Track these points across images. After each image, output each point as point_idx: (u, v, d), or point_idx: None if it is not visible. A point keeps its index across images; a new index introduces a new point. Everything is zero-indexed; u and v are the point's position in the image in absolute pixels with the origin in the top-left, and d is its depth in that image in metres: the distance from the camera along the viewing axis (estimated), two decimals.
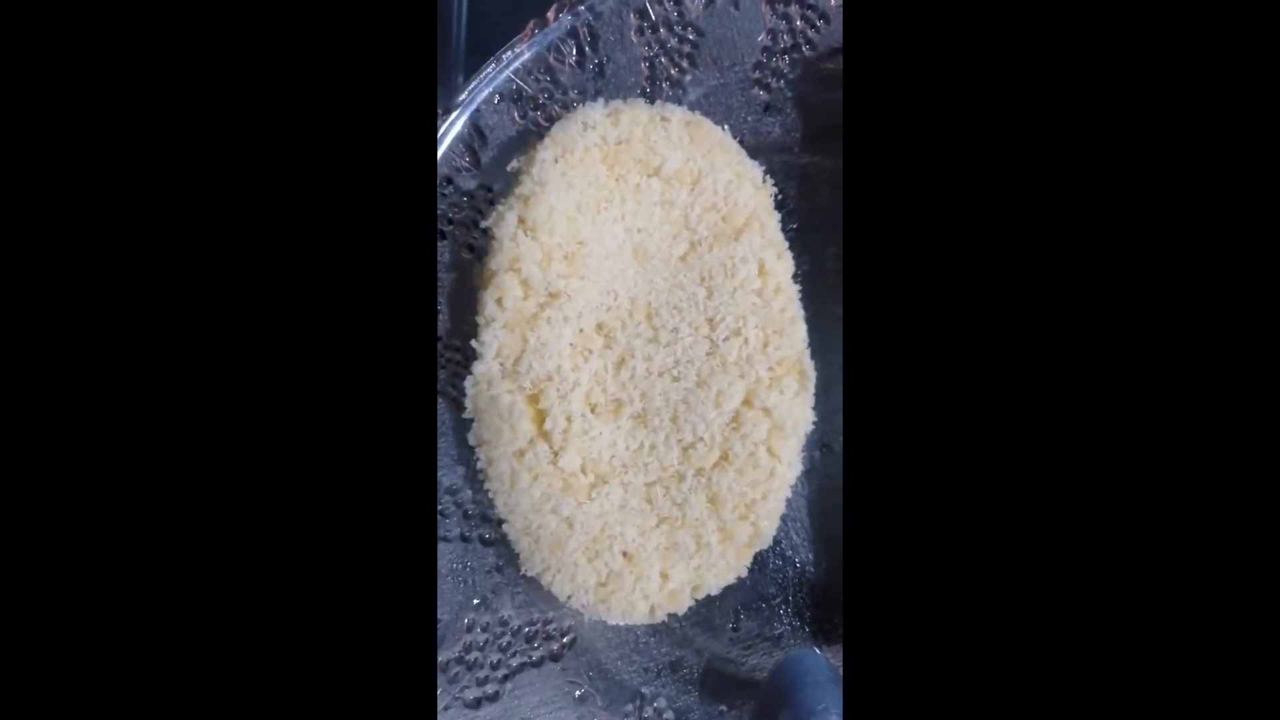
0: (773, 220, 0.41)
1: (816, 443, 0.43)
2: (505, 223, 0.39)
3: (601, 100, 0.40)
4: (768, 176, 0.42)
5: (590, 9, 0.41)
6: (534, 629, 0.42)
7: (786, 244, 0.41)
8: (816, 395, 0.41)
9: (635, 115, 0.40)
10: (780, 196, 0.42)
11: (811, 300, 0.42)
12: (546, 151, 0.39)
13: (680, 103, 0.42)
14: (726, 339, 0.40)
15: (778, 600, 0.43)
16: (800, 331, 0.41)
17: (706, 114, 0.41)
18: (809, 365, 0.41)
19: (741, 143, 0.42)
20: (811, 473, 0.43)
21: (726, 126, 0.42)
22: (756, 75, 0.43)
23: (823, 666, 0.40)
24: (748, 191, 0.41)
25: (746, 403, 0.40)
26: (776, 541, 0.43)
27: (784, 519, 0.42)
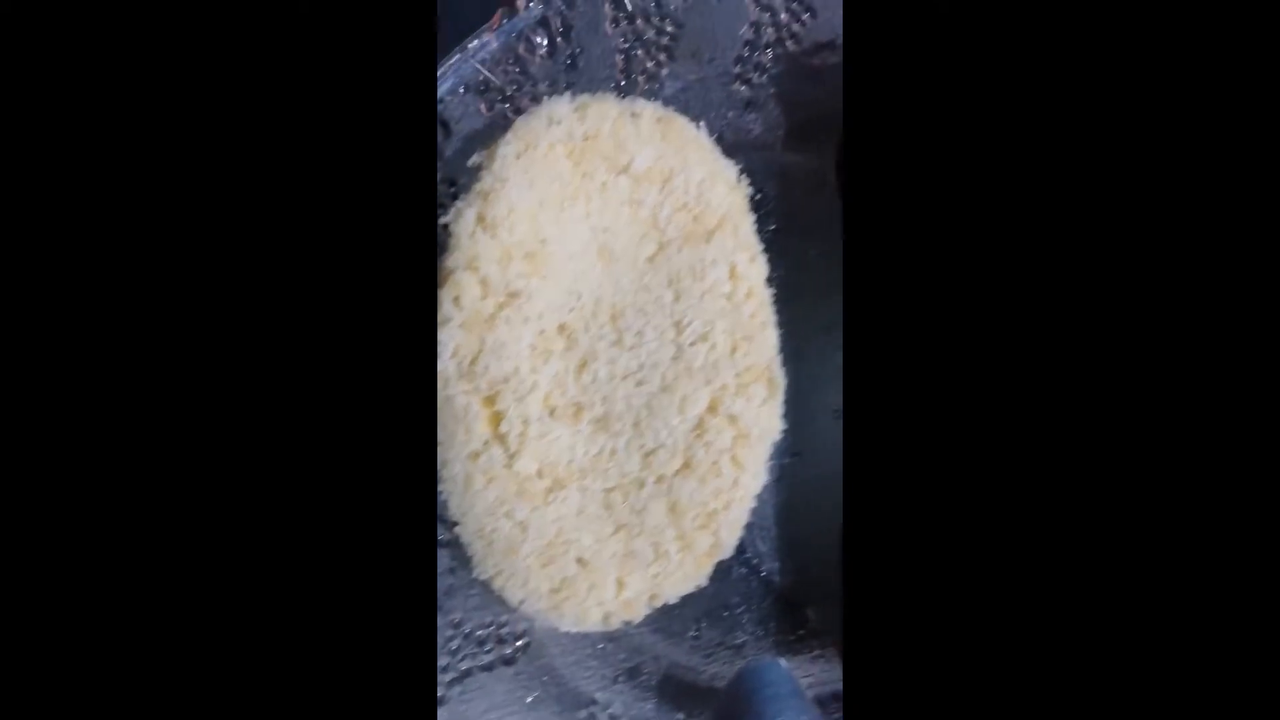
0: (747, 222, 0.40)
1: (787, 451, 0.42)
2: (463, 219, 0.37)
3: (569, 94, 0.39)
4: (746, 176, 0.40)
5: None
6: (486, 632, 0.41)
7: (760, 246, 0.40)
8: (787, 403, 0.40)
9: (604, 110, 0.38)
10: (760, 196, 0.41)
11: (787, 305, 0.40)
12: (508, 147, 0.37)
13: (657, 97, 0.40)
14: (693, 343, 0.39)
15: (740, 609, 0.42)
16: (771, 338, 0.40)
17: (684, 109, 0.40)
18: (779, 373, 0.40)
19: (720, 140, 0.40)
20: (781, 480, 0.42)
21: (704, 123, 0.40)
22: (738, 70, 0.41)
23: (785, 677, 0.40)
24: (721, 191, 0.39)
25: (711, 409, 0.39)
26: (742, 549, 0.42)
27: (750, 527, 0.41)
